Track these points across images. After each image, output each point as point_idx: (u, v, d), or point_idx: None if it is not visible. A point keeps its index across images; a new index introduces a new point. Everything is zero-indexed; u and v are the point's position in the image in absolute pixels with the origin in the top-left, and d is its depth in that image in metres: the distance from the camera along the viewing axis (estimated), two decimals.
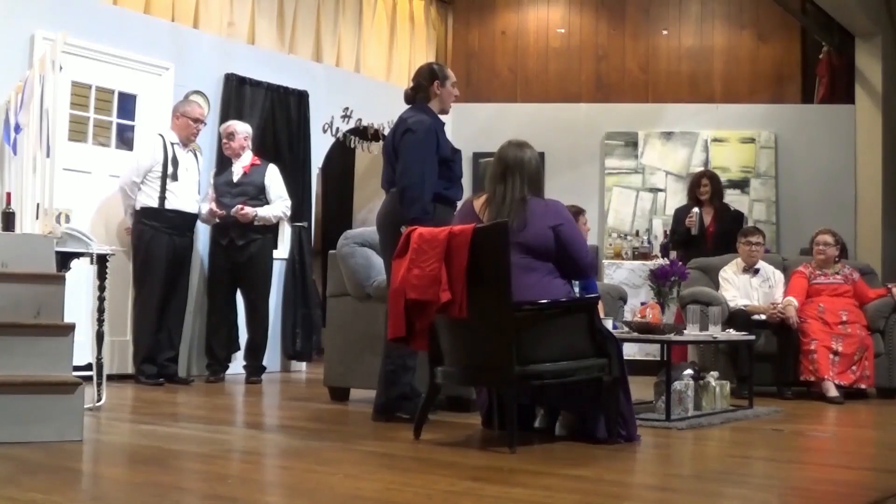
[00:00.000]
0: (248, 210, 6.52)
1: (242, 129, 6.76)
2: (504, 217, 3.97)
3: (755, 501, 3.06)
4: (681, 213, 7.68)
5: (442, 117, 4.78)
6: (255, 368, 6.66)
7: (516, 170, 4.12)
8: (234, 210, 6.49)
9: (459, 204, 4.56)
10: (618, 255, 8.99)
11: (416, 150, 4.54)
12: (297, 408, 5.37)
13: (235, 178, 6.67)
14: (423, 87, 4.78)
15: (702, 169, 8.58)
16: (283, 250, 7.57)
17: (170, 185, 6.30)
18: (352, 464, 3.49)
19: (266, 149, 7.27)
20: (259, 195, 6.66)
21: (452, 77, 4.86)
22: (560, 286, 4.07)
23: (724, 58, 9.80)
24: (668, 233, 8.36)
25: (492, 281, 3.79)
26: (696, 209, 7.55)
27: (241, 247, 6.59)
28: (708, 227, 7.54)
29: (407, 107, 4.80)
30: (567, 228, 4.10)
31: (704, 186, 7.58)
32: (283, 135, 7.59)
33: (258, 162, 6.78)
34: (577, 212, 5.76)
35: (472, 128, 9.24)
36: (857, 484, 3.41)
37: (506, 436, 3.79)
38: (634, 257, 8.92)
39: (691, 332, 5.26)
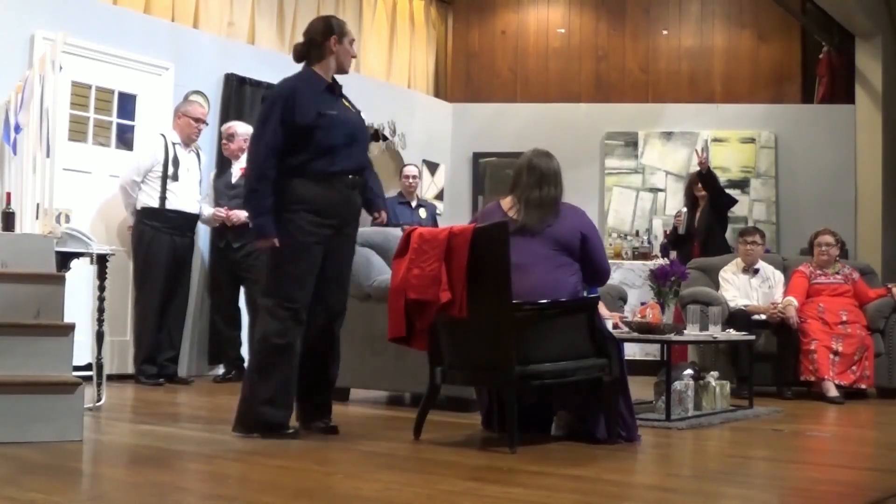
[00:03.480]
0: (238, 212, 6.48)
1: (243, 131, 6.73)
2: (537, 214, 4.10)
3: (755, 501, 3.06)
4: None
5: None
6: None
7: (551, 179, 4.29)
8: (223, 215, 6.50)
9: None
10: (618, 255, 8.98)
11: (254, 132, 4.18)
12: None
13: (233, 180, 6.65)
14: (317, 42, 4.30)
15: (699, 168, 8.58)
16: None
17: (170, 185, 6.29)
18: (352, 464, 3.49)
19: None
20: None
21: (351, 35, 4.35)
22: (574, 284, 4.13)
23: (724, 58, 9.81)
24: (667, 233, 8.38)
25: (492, 281, 3.79)
26: (683, 209, 7.64)
27: (238, 248, 6.58)
28: (697, 226, 7.56)
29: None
30: (594, 236, 4.24)
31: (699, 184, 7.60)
32: None
33: None
34: None
35: (472, 128, 9.23)
36: (857, 484, 3.41)
37: (506, 436, 3.79)
38: (634, 257, 8.92)
39: (691, 332, 5.26)
